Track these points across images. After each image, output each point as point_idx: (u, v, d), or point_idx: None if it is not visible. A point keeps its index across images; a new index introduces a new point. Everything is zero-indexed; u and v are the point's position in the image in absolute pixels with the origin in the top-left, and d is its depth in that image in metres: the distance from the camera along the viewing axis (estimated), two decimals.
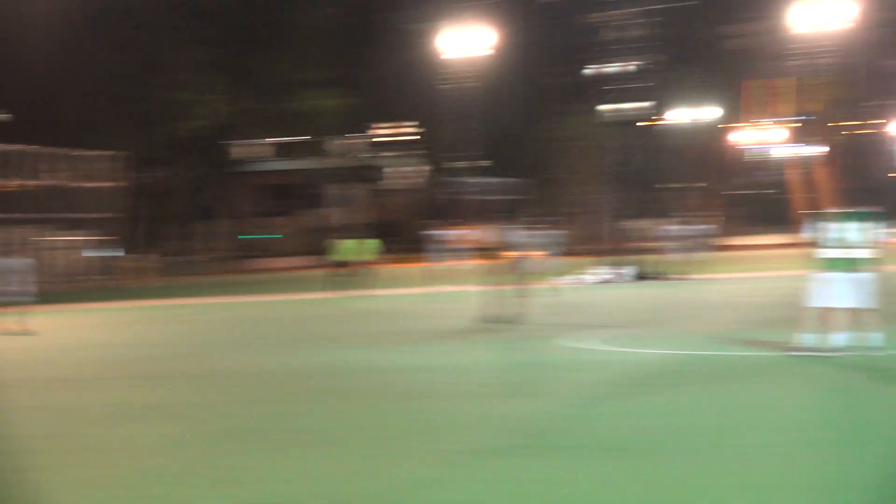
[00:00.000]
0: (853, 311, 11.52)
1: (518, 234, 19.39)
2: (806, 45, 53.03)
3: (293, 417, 9.61)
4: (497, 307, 17.59)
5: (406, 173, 72.03)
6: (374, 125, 74.14)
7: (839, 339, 11.52)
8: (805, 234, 12.15)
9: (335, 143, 64.68)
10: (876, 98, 64.15)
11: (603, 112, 49.88)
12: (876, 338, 11.46)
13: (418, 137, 73.89)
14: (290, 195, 70.47)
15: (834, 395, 9.93)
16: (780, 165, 66.73)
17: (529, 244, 19.80)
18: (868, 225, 11.68)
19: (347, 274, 28.05)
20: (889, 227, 12.51)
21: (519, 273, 18.01)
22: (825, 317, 11.63)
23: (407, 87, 62.91)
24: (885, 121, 67.45)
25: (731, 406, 9.25)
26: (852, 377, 10.55)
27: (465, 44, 47.13)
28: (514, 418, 8.97)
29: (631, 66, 55.09)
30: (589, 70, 74.61)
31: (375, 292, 27.33)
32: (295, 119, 60.20)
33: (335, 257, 28.87)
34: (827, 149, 57.34)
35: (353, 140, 69.26)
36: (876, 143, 68.46)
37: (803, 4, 48.76)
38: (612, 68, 69.66)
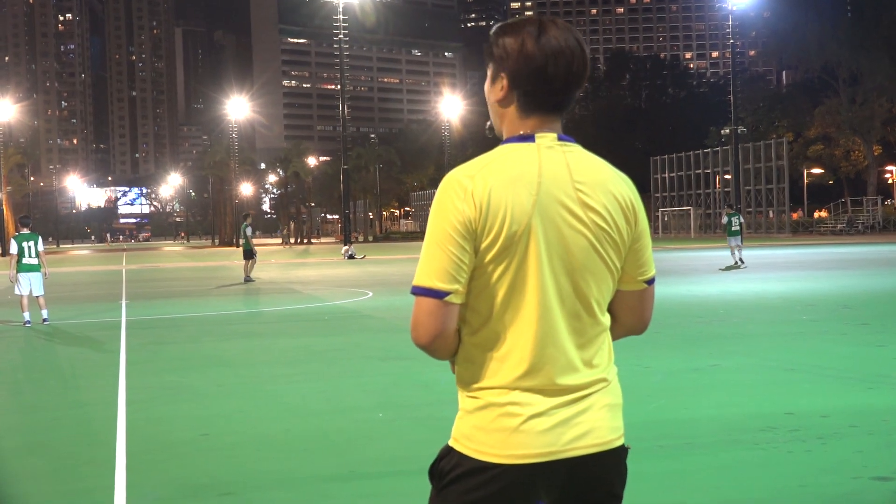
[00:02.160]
0: (35, 297, 18.38)
1: None
2: None
3: None
4: None
5: None
6: None
7: (28, 315, 18.27)
8: (11, 251, 18.68)
9: None
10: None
11: None
12: (46, 313, 18.46)
13: None
14: None
15: (30, 348, 15.46)
16: None
17: None
18: (35, 242, 18.54)
19: None
20: (44, 243, 19.21)
21: None
22: (23, 302, 18.30)
23: None
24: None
25: None
26: (36, 336, 16.69)
27: None
28: None
29: None
30: None
31: None
32: None
33: None
34: (8, 193, 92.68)
35: None
36: (48, 192, 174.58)
37: None
38: None
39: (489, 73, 2.48)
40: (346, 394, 9.96)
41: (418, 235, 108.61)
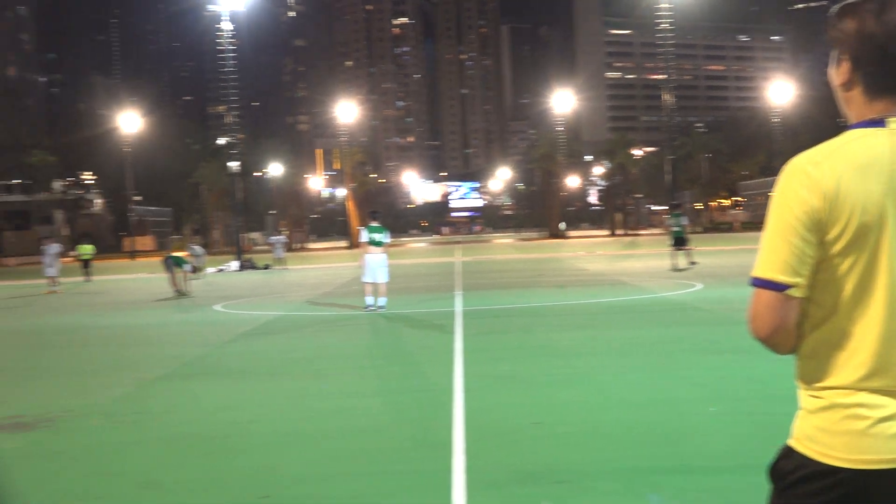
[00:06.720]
0: (376, 284, 19.85)
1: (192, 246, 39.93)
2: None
3: None
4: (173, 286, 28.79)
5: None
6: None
7: (370, 300, 19.97)
8: (361, 240, 20.37)
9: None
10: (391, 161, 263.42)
11: (229, 166, 71.58)
12: (384, 301, 20.03)
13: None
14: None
15: (373, 335, 16.40)
16: (340, 199, 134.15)
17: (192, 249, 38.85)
18: (382, 234, 20.05)
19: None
20: (392, 234, 21.35)
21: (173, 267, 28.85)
22: (366, 288, 20.08)
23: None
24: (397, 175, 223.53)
25: (318, 344, 15.23)
26: (378, 324, 17.75)
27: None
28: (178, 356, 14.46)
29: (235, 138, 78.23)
30: (220, 140, 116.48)
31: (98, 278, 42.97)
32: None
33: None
34: (352, 189, 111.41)
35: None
36: (387, 187, 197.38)
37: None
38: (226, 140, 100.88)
39: (832, 56, 2.41)
40: (675, 386, 9.91)
41: (750, 226, 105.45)
